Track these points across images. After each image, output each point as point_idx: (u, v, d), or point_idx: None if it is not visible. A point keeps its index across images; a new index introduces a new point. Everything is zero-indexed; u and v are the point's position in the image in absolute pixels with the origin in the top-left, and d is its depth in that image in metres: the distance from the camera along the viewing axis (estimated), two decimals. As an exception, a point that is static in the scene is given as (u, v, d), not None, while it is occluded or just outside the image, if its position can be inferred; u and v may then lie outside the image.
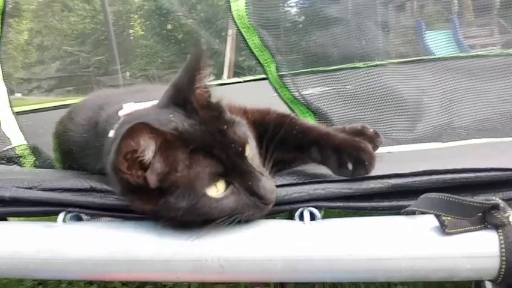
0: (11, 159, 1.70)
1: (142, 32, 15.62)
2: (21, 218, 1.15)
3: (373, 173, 0.93)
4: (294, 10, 2.65)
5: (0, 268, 0.88)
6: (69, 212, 0.92)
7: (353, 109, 2.05)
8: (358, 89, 2.10)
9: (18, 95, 10.05)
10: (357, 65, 2.18)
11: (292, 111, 1.99)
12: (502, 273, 0.74)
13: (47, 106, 4.19)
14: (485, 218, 0.75)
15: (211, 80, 0.91)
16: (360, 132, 1.26)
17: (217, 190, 0.82)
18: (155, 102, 0.95)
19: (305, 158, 1.13)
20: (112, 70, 9.87)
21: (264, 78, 2.15)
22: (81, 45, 12.70)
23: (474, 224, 0.76)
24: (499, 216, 0.74)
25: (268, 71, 2.02)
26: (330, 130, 1.06)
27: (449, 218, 0.76)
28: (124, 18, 14.36)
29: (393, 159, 1.35)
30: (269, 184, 0.85)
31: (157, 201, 0.81)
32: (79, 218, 0.94)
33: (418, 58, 2.34)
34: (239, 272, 0.81)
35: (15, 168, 1.65)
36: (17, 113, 2.05)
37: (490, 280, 0.77)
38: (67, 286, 2.00)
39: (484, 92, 2.02)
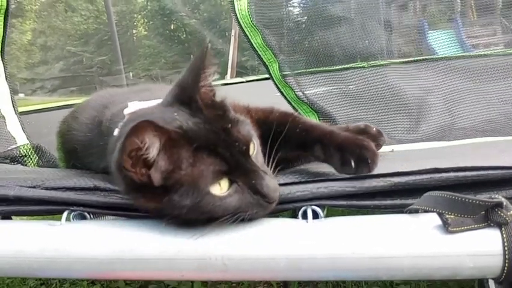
0: (15, 159, 1.71)
1: (145, 32, 15.68)
2: (25, 217, 1.16)
3: (376, 172, 0.93)
4: (296, 10, 2.65)
5: (4, 267, 0.89)
6: (73, 210, 0.93)
7: (356, 109, 2.06)
8: (361, 89, 2.11)
9: (22, 95, 10.06)
10: (361, 65, 2.18)
11: (296, 110, 2.00)
12: (505, 271, 0.73)
13: (51, 106, 4.18)
14: (488, 216, 0.75)
15: (215, 79, 0.92)
16: (364, 131, 1.26)
17: (221, 188, 0.82)
18: (160, 101, 0.96)
19: (308, 156, 1.13)
20: (115, 70, 9.86)
21: (266, 78, 2.16)
22: (84, 46, 12.73)
23: (477, 222, 0.76)
24: (502, 214, 0.74)
25: (272, 70, 2.03)
26: (333, 128, 1.06)
27: (452, 216, 0.76)
28: (127, 18, 14.40)
29: (395, 157, 1.35)
30: (272, 183, 0.85)
31: (161, 199, 0.81)
32: (82, 217, 0.94)
33: (421, 58, 2.34)
34: (242, 270, 0.81)
35: (19, 167, 1.66)
36: (20, 113, 2.06)
37: (493, 278, 0.77)
38: (69, 286, 2.01)
39: (487, 93, 2.02)
